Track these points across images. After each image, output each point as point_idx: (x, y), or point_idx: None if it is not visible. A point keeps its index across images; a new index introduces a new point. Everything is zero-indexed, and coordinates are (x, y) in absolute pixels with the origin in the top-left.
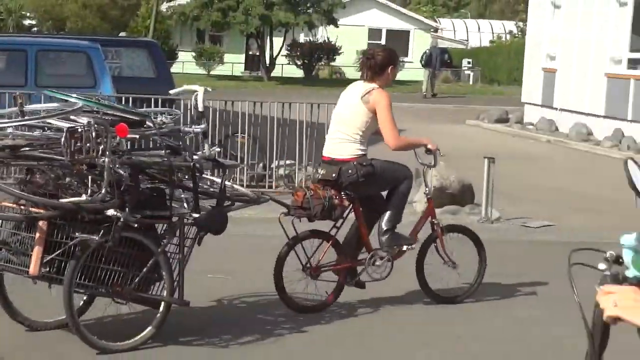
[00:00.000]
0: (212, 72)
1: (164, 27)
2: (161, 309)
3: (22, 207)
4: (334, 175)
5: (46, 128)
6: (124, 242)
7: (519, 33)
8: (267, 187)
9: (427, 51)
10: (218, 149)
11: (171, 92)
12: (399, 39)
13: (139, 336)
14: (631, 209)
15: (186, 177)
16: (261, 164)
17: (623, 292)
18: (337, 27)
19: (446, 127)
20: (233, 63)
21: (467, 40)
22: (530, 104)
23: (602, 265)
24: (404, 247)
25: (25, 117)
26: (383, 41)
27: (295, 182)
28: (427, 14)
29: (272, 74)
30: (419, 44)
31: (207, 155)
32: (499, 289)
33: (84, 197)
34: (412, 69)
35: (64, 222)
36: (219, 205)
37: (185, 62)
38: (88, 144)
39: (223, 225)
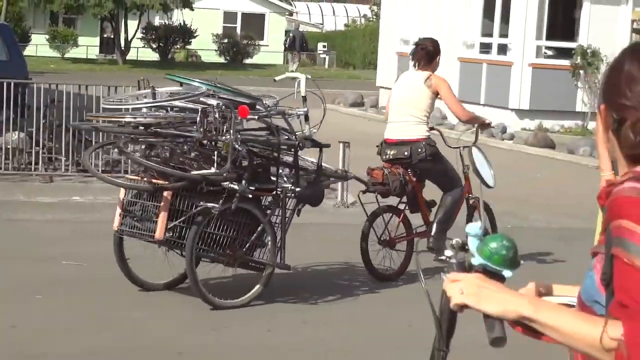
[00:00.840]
0: (66, 55)
1: (16, 9)
2: (266, 271)
3: (144, 178)
4: (405, 153)
5: (169, 109)
6: (237, 211)
7: (374, 17)
8: (122, 171)
9: (291, 35)
10: (315, 130)
11: (276, 78)
12: (254, 22)
13: (249, 294)
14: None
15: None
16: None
17: (468, 279)
18: (193, 10)
19: None
20: (87, 46)
21: (322, 24)
22: (385, 88)
23: (448, 252)
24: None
25: (158, 99)
26: (238, 24)
27: None
28: None
29: (127, 57)
30: (274, 27)
31: (307, 136)
32: (353, 274)
33: (213, 170)
34: (268, 52)
35: (185, 193)
36: (316, 180)
37: (38, 45)
38: (215, 124)
39: (320, 199)
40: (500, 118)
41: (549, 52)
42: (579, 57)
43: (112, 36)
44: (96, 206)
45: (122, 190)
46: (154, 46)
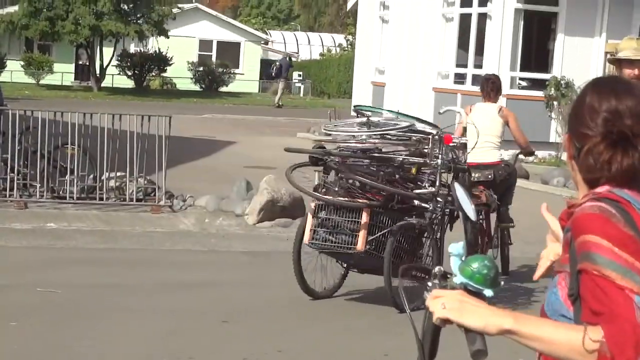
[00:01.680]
0: (41, 82)
1: None
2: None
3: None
4: (489, 176)
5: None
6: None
7: (349, 46)
8: (98, 198)
9: (278, 63)
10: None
11: (440, 111)
12: (230, 50)
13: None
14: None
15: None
16: (92, 176)
17: (450, 295)
18: (168, 37)
19: (278, 140)
20: (63, 72)
21: (298, 53)
22: None
23: (429, 283)
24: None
25: (377, 128)
26: (214, 53)
27: (127, 195)
28: (257, 26)
29: (103, 84)
30: (250, 55)
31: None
32: (335, 301)
33: (427, 189)
34: (243, 81)
35: (380, 210)
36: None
37: (13, 71)
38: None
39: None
40: None
41: (523, 83)
42: (552, 88)
43: (88, 63)
44: (70, 233)
45: (312, 208)
46: (129, 73)
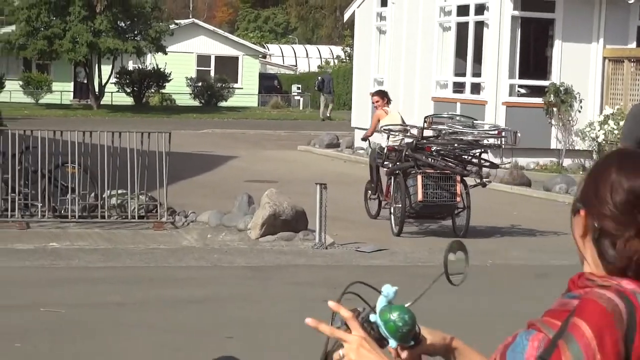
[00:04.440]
0: (40, 101)
1: None
2: None
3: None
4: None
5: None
6: None
7: (347, 58)
8: (99, 217)
9: (320, 78)
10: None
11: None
12: (228, 64)
13: None
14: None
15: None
16: (93, 194)
17: (353, 340)
18: (166, 54)
19: (278, 153)
20: (62, 91)
21: (296, 66)
22: (360, 128)
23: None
24: None
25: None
26: (212, 68)
27: (128, 212)
28: (254, 40)
29: (102, 102)
30: (248, 69)
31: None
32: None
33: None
34: (242, 95)
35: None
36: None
37: (12, 91)
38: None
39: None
40: None
41: (522, 90)
42: (552, 95)
43: (86, 81)
44: (73, 252)
45: None
46: (128, 90)
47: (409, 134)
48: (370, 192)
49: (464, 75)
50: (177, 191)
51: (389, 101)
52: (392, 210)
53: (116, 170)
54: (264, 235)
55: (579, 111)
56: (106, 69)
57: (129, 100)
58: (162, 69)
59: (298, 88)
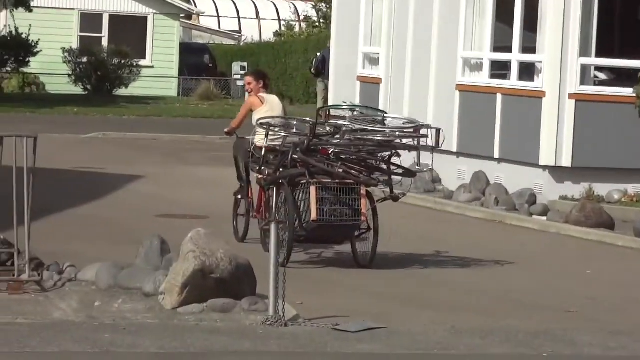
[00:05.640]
0: None
1: None
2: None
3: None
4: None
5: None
6: None
7: (321, 20)
8: None
9: (320, 55)
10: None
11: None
12: (131, 29)
13: None
14: None
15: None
16: None
17: None
18: (31, 11)
19: (209, 172)
20: None
21: (240, 32)
22: None
23: None
24: None
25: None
26: (105, 33)
27: None
28: None
29: None
30: (163, 38)
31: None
32: None
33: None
34: (152, 79)
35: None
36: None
37: None
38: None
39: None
40: (526, 181)
41: (602, 76)
42: None
43: None
44: None
45: None
46: None
47: (294, 130)
48: (241, 201)
49: (508, 50)
50: (46, 231)
51: (266, 85)
52: (262, 233)
53: None
54: (186, 304)
55: None
56: None
57: None
58: (24, 35)
59: (243, 68)
